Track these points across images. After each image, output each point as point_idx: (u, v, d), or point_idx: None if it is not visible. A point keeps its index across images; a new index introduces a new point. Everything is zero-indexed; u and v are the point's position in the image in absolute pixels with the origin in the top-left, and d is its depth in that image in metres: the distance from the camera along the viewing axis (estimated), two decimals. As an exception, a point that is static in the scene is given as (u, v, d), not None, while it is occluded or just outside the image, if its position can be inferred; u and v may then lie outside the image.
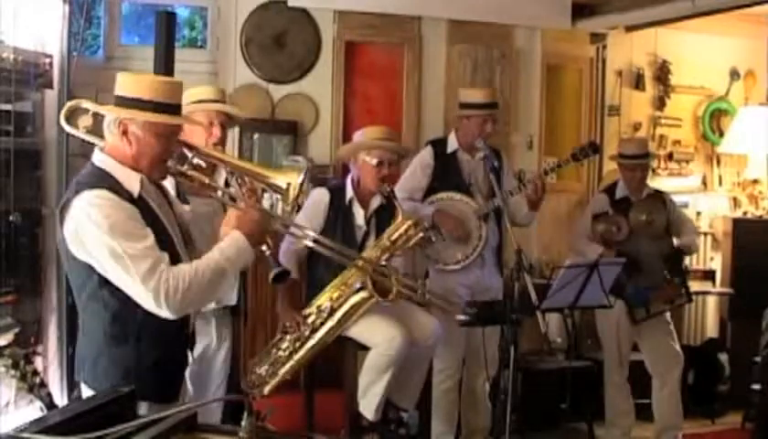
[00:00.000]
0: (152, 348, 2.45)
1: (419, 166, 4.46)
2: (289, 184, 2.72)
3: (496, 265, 4.51)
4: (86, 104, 2.61)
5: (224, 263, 2.44)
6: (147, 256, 2.32)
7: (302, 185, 2.74)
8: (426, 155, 4.47)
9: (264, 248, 3.30)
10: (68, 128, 2.63)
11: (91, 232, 2.33)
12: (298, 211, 3.85)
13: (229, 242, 2.49)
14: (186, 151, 2.78)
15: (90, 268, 2.39)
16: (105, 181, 2.41)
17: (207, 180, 2.71)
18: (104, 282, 2.39)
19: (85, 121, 2.67)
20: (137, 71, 2.57)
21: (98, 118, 2.58)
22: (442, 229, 4.23)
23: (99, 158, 2.49)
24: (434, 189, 4.40)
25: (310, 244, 3.17)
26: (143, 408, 2.37)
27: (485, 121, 4.33)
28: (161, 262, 2.34)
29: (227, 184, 3.32)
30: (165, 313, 2.36)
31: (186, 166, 2.70)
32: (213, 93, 3.63)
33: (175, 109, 2.50)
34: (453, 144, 4.45)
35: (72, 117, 2.66)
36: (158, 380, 2.47)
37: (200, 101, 3.56)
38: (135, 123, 2.44)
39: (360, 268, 3.69)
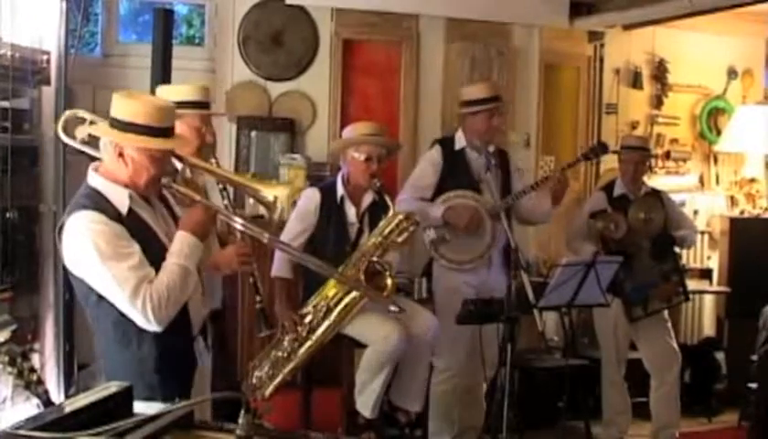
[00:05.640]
0: (154, 351, 2.56)
1: (429, 164, 4.38)
2: (276, 197, 2.78)
3: (504, 265, 4.37)
4: (82, 114, 2.69)
5: (184, 263, 2.55)
6: (131, 278, 2.45)
7: (288, 199, 2.81)
8: (435, 153, 4.39)
9: (258, 299, 3.35)
10: (65, 138, 2.72)
11: (81, 259, 2.48)
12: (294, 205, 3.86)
13: (179, 245, 2.58)
14: (175, 162, 2.80)
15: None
16: (95, 201, 2.51)
17: (197, 197, 2.75)
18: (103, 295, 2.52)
19: (82, 131, 2.72)
20: (132, 92, 2.62)
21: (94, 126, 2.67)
22: (455, 226, 4.20)
23: (92, 179, 2.58)
24: (444, 189, 4.31)
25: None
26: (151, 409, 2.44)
27: (492, 115, 4.28)
28: (144, 281, 2.47)
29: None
30: (153, 327, 2.49)
31: (177, 183, 2.76)
32: (196, 93, 3.45)
33: (168, 132, 2.58)
34: (460, 141, 4.37)
35: (69, 125, 2.73)
36: (163, 382, 2.56)
37: (186, 103, 3.35)
38: (131, 146, 2.52)
39: (354, 266, 3.70)
